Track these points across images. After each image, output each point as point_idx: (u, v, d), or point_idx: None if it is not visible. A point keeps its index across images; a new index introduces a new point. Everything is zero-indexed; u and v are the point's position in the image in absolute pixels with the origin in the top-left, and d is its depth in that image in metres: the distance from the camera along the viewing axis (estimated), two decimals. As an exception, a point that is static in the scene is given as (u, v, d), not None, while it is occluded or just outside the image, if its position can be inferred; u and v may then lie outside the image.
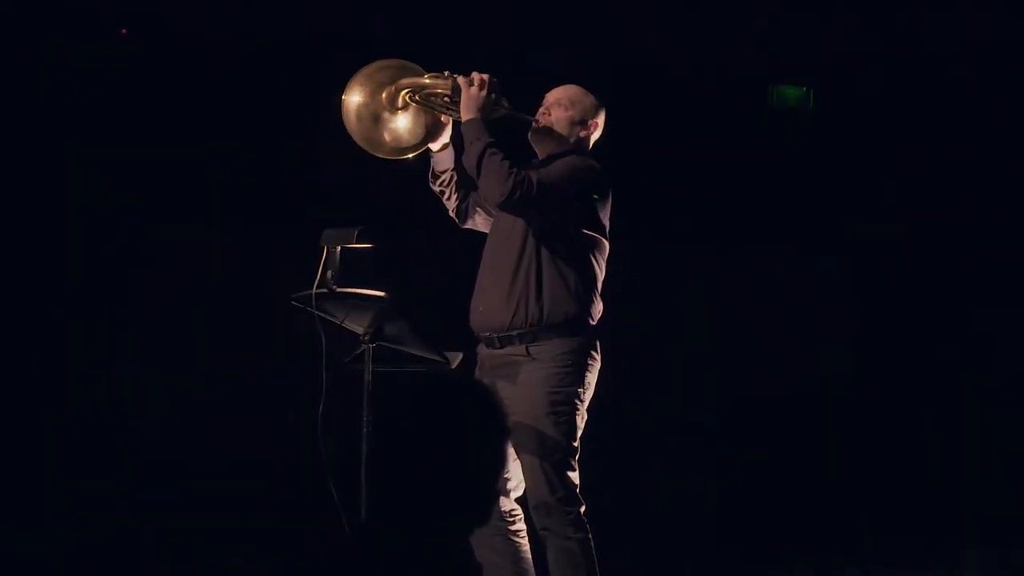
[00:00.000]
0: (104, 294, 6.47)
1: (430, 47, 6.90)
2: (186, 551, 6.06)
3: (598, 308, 4.46)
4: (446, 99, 4.54)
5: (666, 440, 7.36)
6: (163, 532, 6.23)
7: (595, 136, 4.59)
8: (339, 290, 4.28)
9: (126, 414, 6.45)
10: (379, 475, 2.55)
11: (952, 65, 7.77)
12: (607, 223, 4.49)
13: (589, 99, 4.57)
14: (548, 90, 4.72)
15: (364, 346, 4.32)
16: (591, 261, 4.42)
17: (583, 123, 4.52)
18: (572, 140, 4.51)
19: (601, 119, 4.58)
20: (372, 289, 4.27)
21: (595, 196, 4.41)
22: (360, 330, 4.33)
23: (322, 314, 4.33)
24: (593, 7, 7.03)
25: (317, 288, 4.28)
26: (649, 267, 7.33)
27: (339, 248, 4.30)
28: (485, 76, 4.48)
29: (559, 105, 4.54)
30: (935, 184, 8.15)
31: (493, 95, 4.44)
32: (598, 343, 4.49)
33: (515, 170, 4.30)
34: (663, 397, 7.52)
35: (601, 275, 4.47)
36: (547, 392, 4.29)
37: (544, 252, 4.38)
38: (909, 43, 7.64)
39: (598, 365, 4.48)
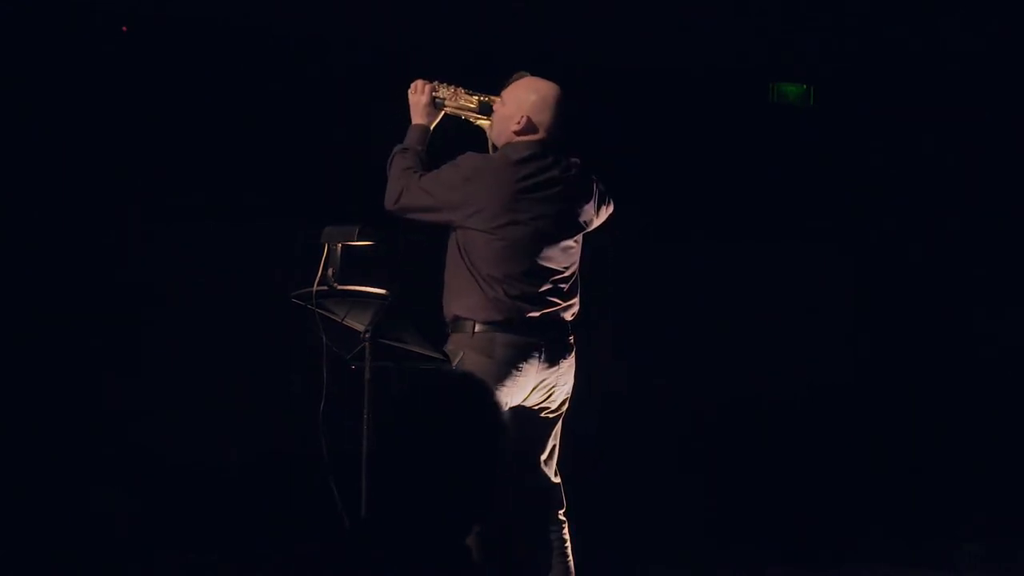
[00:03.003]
0: (102, 291, 6.47)
1: (428, 46, 6.93)
2: (186, 548, 6.05)
3: (474, 300, 4.34)
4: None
5: (664, 438, 7.36)
6: (162, 529, 6.23)
7: (521, 129, 4.42)
8: (340, 287, 4.27)
9: (125, 412, 6.45)
10: (379, 472, 2.54)
11: (953, 63, 7.77)
12: (484, 219, 4.33)
13: (523, 93, 4.47)
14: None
15: (365, 343, 4.31)
16: (475, 257, 4.36)
17: (513, 118, 4.44)
18: (504, 137, 4.48)
19: (531, 111, 4.42)
20: (373, 286, 4.27)
21: (451, 193, 4.35)
22: (361, 328, 4.32)
23: (323, 312, 4.32)
24: (593, 6, 7.03)
25: (318, 286, 4.27)
26: (648, 264, 7.33)
27: (340, 245, 4.30)
28: (419, 81, 4.57)
29: (500, 101, 4.53)
30: (935, 182, 8.15)
31: (430, 97, 4.54)
32: (493, 338, 4.33)
33: (408, 175, 4.41)
34: (662, 395, 7.52)
35: (485, 268, 4.33)
36: None
37: (447, 252, 4.45)
38: (910, 41, 7.64)
39: (460, 354, 4.33)
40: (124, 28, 6.54)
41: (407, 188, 4.42)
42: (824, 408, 7.89)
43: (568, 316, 4.49)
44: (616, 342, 7.26)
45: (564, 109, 4.48)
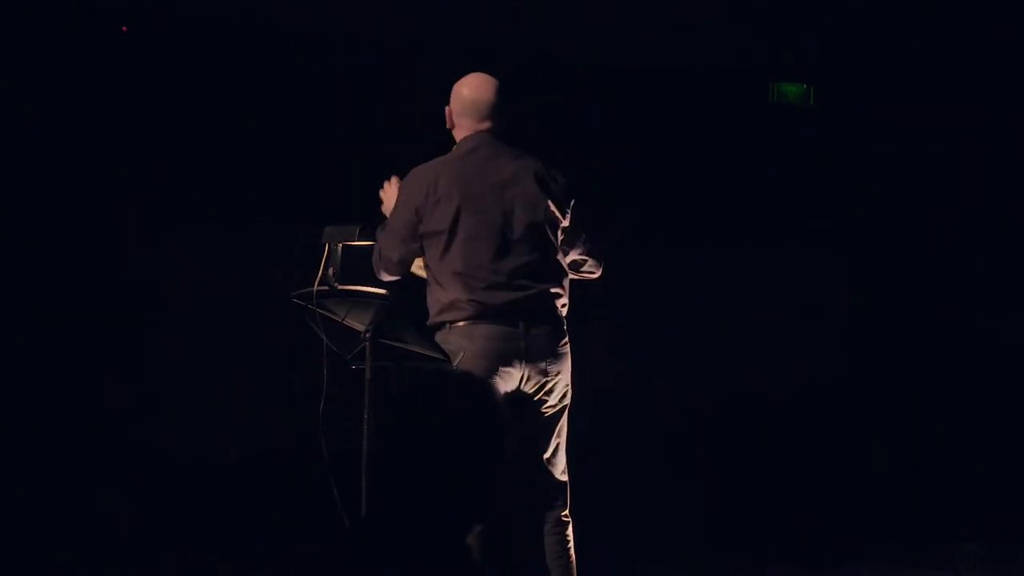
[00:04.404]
0: (102, 291, 6.47)
1: (428, 46, 6.93)
2: (186, 548, 6.05)
3: (444, 302, 4.41)
4: None
5: (664, 438, 7.36)
6: (162, 529, 6.23)
7: (451, 126, 4.53)
8: (340, 287, 4.27)
9: (125, 412, 6.45)
10: (379, 472, 2.54)
11: (953, 63, 7.78)
12: (436, 218, 4.42)
13: (451, 94, 4.56)
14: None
15: (365, 343, 4.31)
16: (433, 261, 4.44)
17: (448, 120, 4.56)
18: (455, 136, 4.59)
19: (453, 107, 4.51)
20: (373, 286, 4.27)
21: (403, 209, 4.46)
22: (361, 327, 4.32)
23: (323, 311, 4.32)
24: (593, 6, 7.03)
25: (318, 286, 4.27)
26: (648, 264, 7.33)
27: (340, 245, 4.31)
28: (390, 180, 4.64)
29: None
30: (935, 182, 8.15)
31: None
32: (455, 329, 4.40)
33: (378, 238, 4.50)
34: (662, 395, 7.52)
35: (448, 268, 4.40)
36: None
37: None
38: (910, 41, 7.65)
39: (461, 354, 4.36)
40: (124, 28, 6.54)
41: (379, 246, 4.49)
42: (824, 408, 7.88)
43: (544, 302, 4.43)
44: (616, 342, 7.26)
45: (482, 96, 4.49)
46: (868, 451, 7.80)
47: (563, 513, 4.51)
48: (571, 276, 4.58)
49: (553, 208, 4.47)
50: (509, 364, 4.37)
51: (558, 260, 4.50)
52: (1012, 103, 8.01)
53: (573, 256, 4.57)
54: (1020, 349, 8.06)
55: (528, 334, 4.40)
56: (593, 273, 4.66)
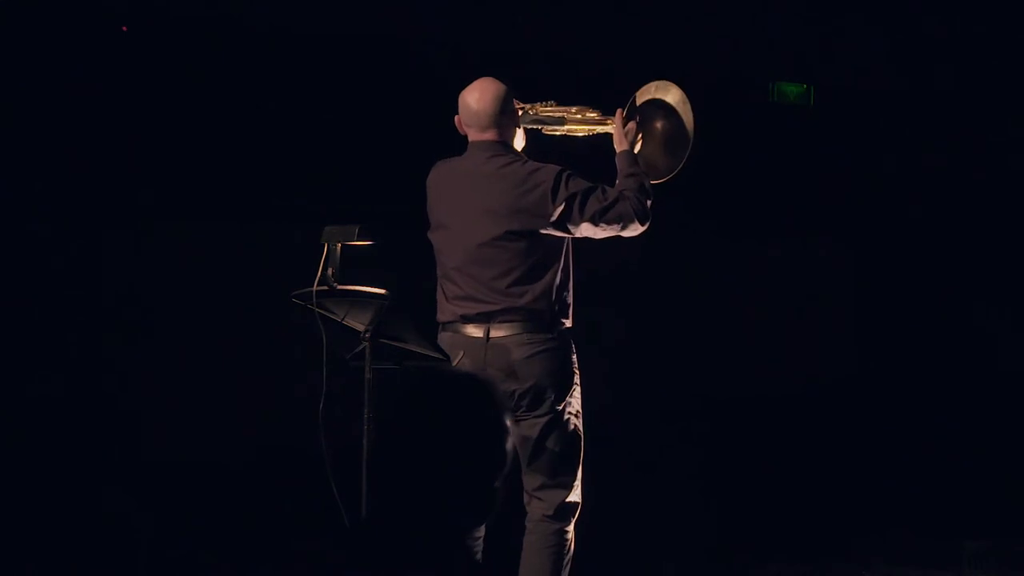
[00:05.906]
0: (102, 291, 6.47)
1: (429, 46, 6.92)
2: (185, 548, 6.06)
3: (439, 306, 4.51)
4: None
5: (665, 437, 7.36)
6: (161, 529, 6.23)
7: (463, 129, 4.53)
8: (340, 287, 4.28)
9: (126, 412, 6.45)
10: (379, 472, 2.54)
11: (952, 63, 7.78)
12: (432, 218, 4.55)
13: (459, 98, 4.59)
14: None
15: (365, 343, 4.31)
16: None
17: (459, 124, 4.58)
18: None
19: (460, 110, 4.50)
20: (373, 286, 4.27)
21: None
22: (361, 327, 4.32)
23: (323, 311, 4.32)
24: (593, 6, 7.03)
25: (318, 285, 4.27)
26: (648, 264, 7.32)
27: (340, 245, 4.31)
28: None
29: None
30: (935, 181, 8.16)
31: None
32: (445, 334, 4.47)
33: None
34: (662, 395, 7.52)
35: (442, 268, 4.52)
36: None
37: None
38: (910, 40, 7.64)
39: (460, 353, 4.40)
40: (124, 28, 6.54)
41: None
42: (825, 408, 7.88)
43: (507, 313, 4.40)
44: (616, 342, 7.26)
45: (481, 107, 4.44)
46: (869, 450, 7.79)
47: (563, 527, 4.49)
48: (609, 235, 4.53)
49: (531, 217, 4.41)
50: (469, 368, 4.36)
51: (531, 271, 4.41)
52: (1012, 104, 8.00)
53: (598, 234, 4.50)
54: (1022, 347, 8.06)
55: (488, 343, 4.38)
56: (633, 231, 4.61)
